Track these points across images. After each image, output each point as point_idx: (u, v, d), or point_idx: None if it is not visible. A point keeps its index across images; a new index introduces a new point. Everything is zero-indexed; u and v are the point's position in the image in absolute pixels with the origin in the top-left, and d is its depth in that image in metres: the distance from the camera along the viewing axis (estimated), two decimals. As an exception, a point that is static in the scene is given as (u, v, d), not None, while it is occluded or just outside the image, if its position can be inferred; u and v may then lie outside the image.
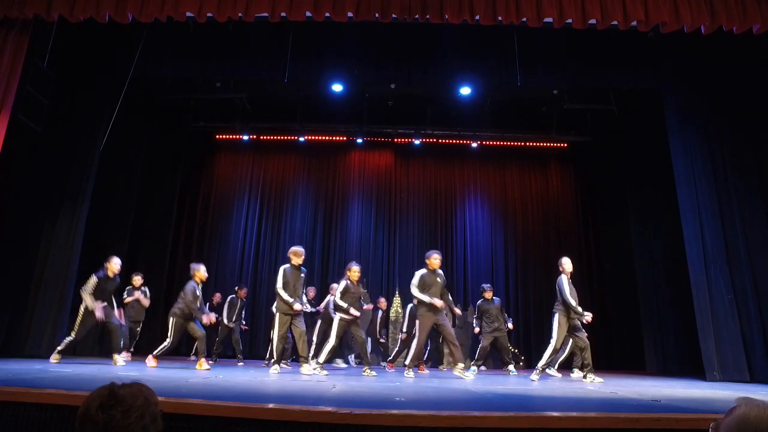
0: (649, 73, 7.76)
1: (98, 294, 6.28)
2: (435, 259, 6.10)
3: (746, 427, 1.20)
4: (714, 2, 5.95)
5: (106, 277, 6.37)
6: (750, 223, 6.73)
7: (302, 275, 6.26)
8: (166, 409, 1.27)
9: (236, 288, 8.67)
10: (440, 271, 6.15)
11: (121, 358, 6.37)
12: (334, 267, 10.42)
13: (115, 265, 6.48)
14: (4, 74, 6.32)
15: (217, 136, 11.05)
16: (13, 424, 2.73)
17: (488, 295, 7.85)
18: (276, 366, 6.08)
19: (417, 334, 6.03)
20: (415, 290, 6.01)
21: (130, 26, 6.52)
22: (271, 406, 2.63)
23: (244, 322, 8.76)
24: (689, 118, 7.24)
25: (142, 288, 8.01)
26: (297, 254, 6.23)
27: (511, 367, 7.49)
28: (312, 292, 8.82)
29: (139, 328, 7.98)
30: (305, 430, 2.48)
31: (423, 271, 6.09)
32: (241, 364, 7.87)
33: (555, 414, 2.64)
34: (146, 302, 7.90)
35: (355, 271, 6.32)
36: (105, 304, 6.36)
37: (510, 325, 7.94)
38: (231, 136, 10.95)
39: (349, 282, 6.26)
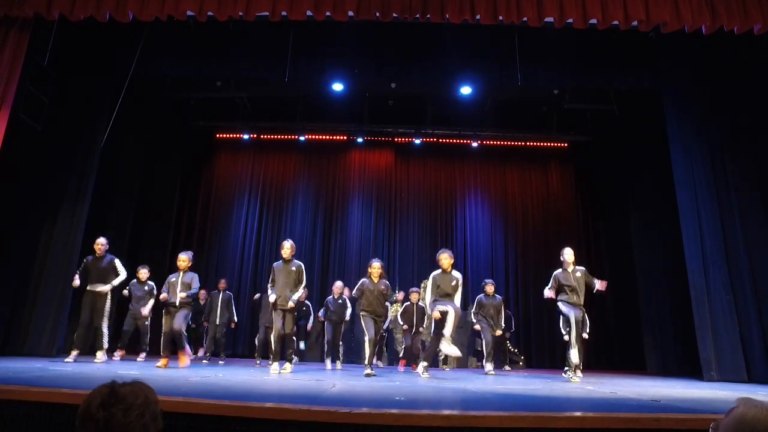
0: (650, 73, 7.76)
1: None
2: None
3: (743, 427, 1.21)
4: (715, 2, 5.95)
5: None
6: (749, 224, 6.73)
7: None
8: (166, 407, 1.27)
9: None
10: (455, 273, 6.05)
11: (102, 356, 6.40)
12: (334, 266, 10.42)
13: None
14: (5, 72, 6.32)
15: (218, 135, 11.05)
16: (13, 422, 2.73)
17: (489, 289, 7.80)
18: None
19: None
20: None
21: (130, 25, 6.52)
22: (270, 405, 2.62)
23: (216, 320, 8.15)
24: (689, 118, 7.24)
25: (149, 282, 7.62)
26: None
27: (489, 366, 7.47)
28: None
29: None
30: (304, 430, 2.48)
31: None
32: (222, 363, 7.68)
33: (555, 414, 2.64)
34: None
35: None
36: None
37: (498, 332, 7.67)
38: (231, 136, 10.95)
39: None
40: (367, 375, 5.59)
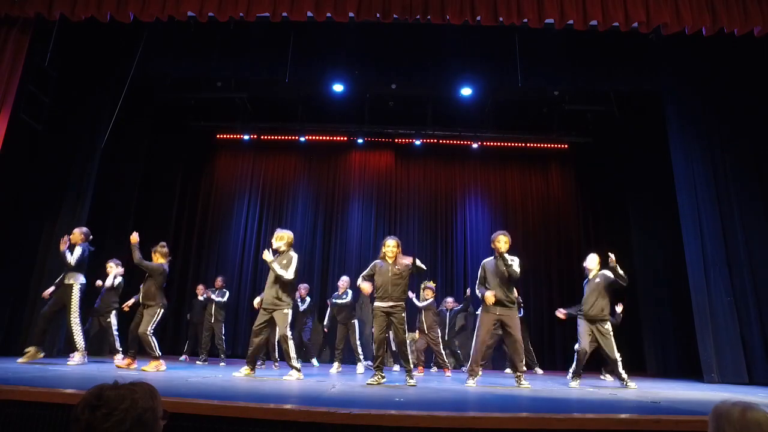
0: (650, 74, 7.77)
1: None
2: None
3: (719, 422, 1.37)
4: (715, 4, 5.96)
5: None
6: (750, 225, 6.74)
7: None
8: (166, 408, 1.27)
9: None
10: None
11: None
12: (334, 267, 10.40)
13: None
14: (6, 73, 6.32)
15: (218, 136, 11.05)
16: (12, 422, 2.72)
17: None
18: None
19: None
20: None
21: (131, 25, 6.53)
22: (270, 405, 2.62)
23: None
24: (690, 119, 7.24)
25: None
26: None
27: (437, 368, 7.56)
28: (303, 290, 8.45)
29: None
30: (304, 430, 2.48)
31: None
32: (223, 364, 7.50)
33: (555, 415, 2.64)
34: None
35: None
36: None
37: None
38: (231, 136, 10.94)
39: None
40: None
